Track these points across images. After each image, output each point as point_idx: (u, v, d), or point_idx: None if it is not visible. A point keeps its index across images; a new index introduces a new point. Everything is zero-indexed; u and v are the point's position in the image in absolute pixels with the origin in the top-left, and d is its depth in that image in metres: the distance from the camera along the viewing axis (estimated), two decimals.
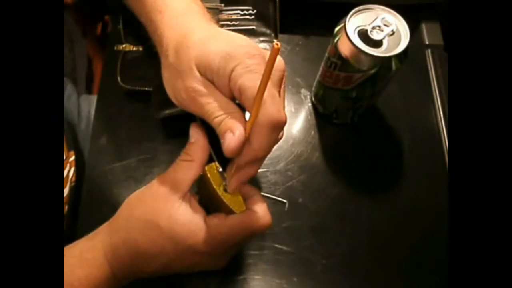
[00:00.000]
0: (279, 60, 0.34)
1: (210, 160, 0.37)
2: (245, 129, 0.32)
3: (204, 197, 0.38)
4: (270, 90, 0.31)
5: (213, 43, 0.34)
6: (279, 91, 0.34)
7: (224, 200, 0.36)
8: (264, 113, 0.31)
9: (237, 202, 0.37)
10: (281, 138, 0.36)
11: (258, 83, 0.30)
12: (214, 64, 0.33)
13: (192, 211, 0.35)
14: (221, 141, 0.33)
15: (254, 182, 0.49)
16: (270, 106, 0.31)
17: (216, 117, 0.33)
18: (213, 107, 0.33)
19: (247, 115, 0.34)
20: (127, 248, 0.35)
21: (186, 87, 0.34)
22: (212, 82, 0.34)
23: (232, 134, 0.32)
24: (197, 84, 0.34)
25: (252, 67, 0.32)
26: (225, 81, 0.33)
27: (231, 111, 0.33)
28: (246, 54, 0.32)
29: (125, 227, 0.36)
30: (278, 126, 0.32)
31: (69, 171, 0.48)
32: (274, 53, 0.28)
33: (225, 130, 0.32)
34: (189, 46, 0.34)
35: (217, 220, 0.35)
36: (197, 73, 0.34)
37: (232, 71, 0.32)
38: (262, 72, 0.31)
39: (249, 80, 0.31)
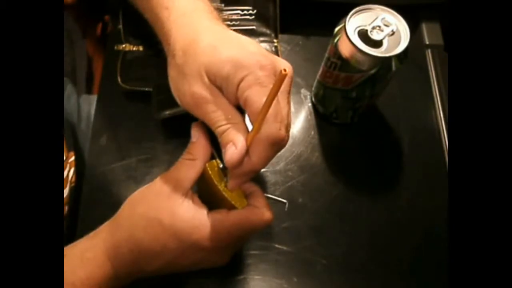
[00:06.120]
0: (288, 67, 0.34)
1: (211, 157, 0.38)
2: (246, 141, 0.33)
3: (205, 194, 0.38)
4: (275, 107, 0.32)
5: (223, 48, 0.34)
6: (288, 97, 0.35)
7: (226, 195, 0.36)
8: (265, 130, 0.32)
9: (238, 198, 0.37)
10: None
11: (265, 98, 0.31)
12: (223, 71, 0.33)
13: (195, 207, 0.36)
14: (223, 150, 0.34)
15: (254, 182, 0.49)
16: (272, 124, 0.32)
17: (220, 126, 0.34)
18: (218, 115, 0.34)
19: (247, 120, 0.35)
20: (130, 246, 0.35)
21: (192, 92, 0.34)
22: (220, 88, 0.34)
23: (235, 147, 0.33)
24: (204, 91, 0.34)
25: (262, 79, 0.32)
26: (233, 89, 0.33)
27: (235, 121, 0.34)
28: (257, 64, 0.32)
29: (127, 225, 0.36)
30: (277, 144, 0.33)
31: (69, 172, 0.48)
32: (280, 80, 0.29)
33: (227, 142, 0.33)
34: (199, 51, 0.34)
35: (219, 215, 0.35)
36: (206, 80, 0.34)
37: (241, 80, 0.32)
38: (270, 85, 0.31)
39: (257, 94, 0.32)
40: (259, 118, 0.31)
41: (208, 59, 0.34)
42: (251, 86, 0.32)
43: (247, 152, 0.33)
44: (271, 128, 0.32)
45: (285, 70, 0.28)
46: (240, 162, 0.33)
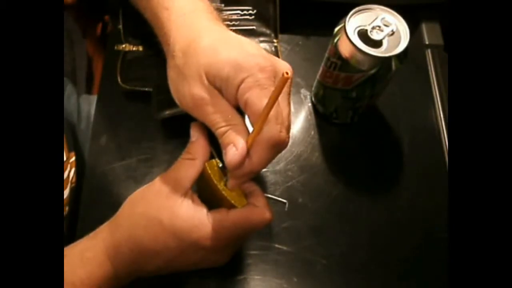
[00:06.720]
0: (289, 69, 0.34)
1: (210, 156, 0.38)
2: (247, 143, 0.33)
3: (205, 193, 0.38)
4: (276, 108, 0.32)
5: (223, 49, 0.34)
6: (288, 98, 0.35)
7: (225, 195, 0.36)
8: (266, 132, 0.32)
9: (238, 197, 0.37)
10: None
11: (264, 100, 0.31)
12: (223, 72, 0.33)
13: (195, 207, 0.36)
14: (223, 151, 0.34)
15: (254, 182, 0.49)
16: (273, 126, 0.32)
17: (220, 127, 0.34)
18: (218, 117, 0.34)
19: (247, 121, 0.35)
20: (129, 245, 0.35)
21: (192, 94, 0.34)
22: (219, 89, 0.34)
23: (235, 149, 0.33)
24: (204, 92, 0.34)
25: (262, 81, 0.32)
26: (232, 90, 0.33)
27: (235, 123, 0.34)
28: (257, 66, 0.33)
29: (127, 225, 0.36)
30: (278, 146, 0.33)
31: (70, 172, 0.48)
32: (282, 83, 0.29)
33: (228, 143, 0.33)
34: (198, 52, 0.34)
35: (219, 215, 0.36)
36: (206, 81, 0.34)
37: (241, 82, 0.32)
38: (271, 87, 0.32)
39: (257, 97, 0.32)
40: (260, 120, 0.32)
41: (208, 60, 0.34)
42: (251, 88, 0.32)
43: (247, 153, 0.34)
44: (272, 130, 0.32)
45: (287, 73, 0.28)
46: (241, 163, 0.33)
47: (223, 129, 0.34)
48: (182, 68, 0.35)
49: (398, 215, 0.50)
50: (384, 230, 0.49)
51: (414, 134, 0.54)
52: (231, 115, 0.34)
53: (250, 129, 0.34)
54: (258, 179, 0.50)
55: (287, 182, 0.50)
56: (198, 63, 0.34)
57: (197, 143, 0.37)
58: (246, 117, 0.35)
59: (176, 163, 0.37)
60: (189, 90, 0.34)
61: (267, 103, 0.31)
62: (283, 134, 0.33)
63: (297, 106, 0.55)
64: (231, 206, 0.36)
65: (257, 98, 0.32)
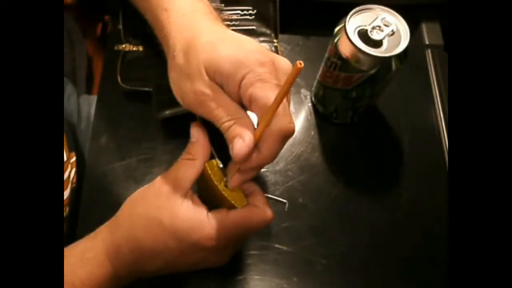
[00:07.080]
0: (288, 63, 0.35)
1: (211, 157, 0.38)
2: (254, 136, 0.33)
3: (205, 194, 0.38)
4: (283, 101, 0.32)
5: (223, 46, 0.34)
6: (288, 96, 0.35)
7: (226, 195, 0.36)
8: (277, 123, 0.32)
9: (238, 197, 0.37)
10: None
11: (269, 93, 0.31)
12: (224, 69, 0.33)
13: (195, 207, 0.36)
14: (229, 145, 0.34)
15: (254, 182, 0.49)
16: (282, 117, 0.32)
17: (225, 122, 0.34)
18: (222, 111, 0.34)
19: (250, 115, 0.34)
20: (129, 245, 0.35)
21: (195, 90, 0.34)
22: (220, 86, 0.34)
23: (242, 141, 0.33)
24: (206, 88, 0.34)
25: (263, 75, 0.32)
26: (234, 87, 0.33)
27: (240, 116, 0.34)
28: (257, 61, 0.33)
29: (127, 225, 0.36)
30: (288, 137, 0.33)
31: (70, 173, 0.48)
32: (296, 72, 0.29)
33: (234, 136, 0.33)
34: (198, 48, 0.34)
35: (219, 215, 0.36)
36: (206, 77, 0.34)
37: (242, 78, 0.33)
38: (272, 81, 0.32)
39: (261, 90, 0.32)
40: (269, 113, 0.31)
41: (207, 56, 0.34)
42: (253, 83, 0.32)
43: (255, 146, 0.33)
44: (282, 121, 0.32)
45: (300, 63, 0.28)
46: (248, 155, 0.33)
47: (228, 123, 0.34)
48: (183, 67, 0.35)
49: (398, 215, 0.50)
50: (384, 230, 0.49)
51: (414, 134, 0.54)
52: (235, 109, 0.34)
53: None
54: (258, 179, 0.50)
55: (287, 182, 0.50)
56: (198, 60, 0.34)
57: (197, 143, 0.37)
58: (249, 113, 0.35)
59: (176, 164, 0.37)
60: (191, 87, 0.34)
61: (278, 95, 0.31)
62: (292, 125, 0.33)
63: (297, 106, 0.55)
64: (231, 207, 0.36)
65: (261, 92, 0.32)
